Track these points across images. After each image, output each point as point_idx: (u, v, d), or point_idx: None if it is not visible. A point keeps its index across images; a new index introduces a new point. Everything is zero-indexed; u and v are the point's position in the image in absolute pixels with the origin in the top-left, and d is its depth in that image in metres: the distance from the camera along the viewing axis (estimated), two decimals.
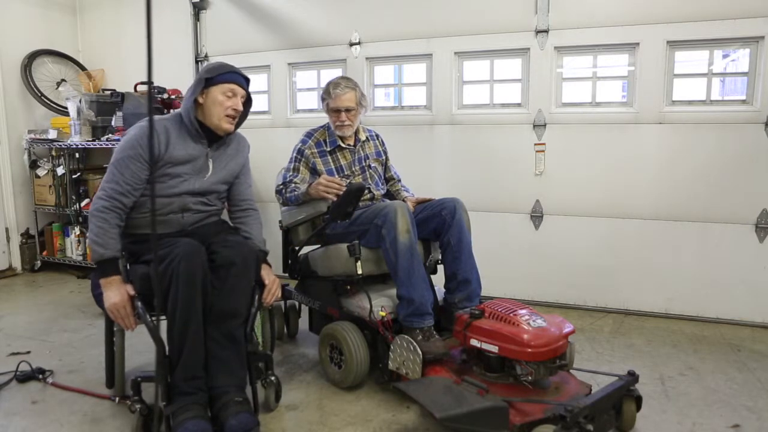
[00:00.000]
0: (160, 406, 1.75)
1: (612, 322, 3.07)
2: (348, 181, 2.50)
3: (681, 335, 2.87)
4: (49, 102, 4.21)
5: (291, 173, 2.55)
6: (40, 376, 2.34)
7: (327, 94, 2.55)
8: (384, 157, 2.77)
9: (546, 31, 3.17)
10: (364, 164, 2.63)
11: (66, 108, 3.99)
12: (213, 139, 2.11)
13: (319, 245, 2.56)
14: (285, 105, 3.89)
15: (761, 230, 2.94)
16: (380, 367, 2.21)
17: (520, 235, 3.37)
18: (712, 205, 2.99)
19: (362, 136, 2.68)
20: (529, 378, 1.87)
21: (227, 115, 2.04)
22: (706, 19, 2.88)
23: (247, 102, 2.15)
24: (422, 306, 2.12)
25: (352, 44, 3.62)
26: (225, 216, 2.36)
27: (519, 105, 3.32)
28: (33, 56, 4.17)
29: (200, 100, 2.04)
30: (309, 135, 2.61)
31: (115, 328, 2.06)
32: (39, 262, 4.24)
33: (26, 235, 4.22)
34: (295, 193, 2.45)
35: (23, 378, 2.33)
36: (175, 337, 1.79)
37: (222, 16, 3.99)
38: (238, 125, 2.17)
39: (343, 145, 2.59)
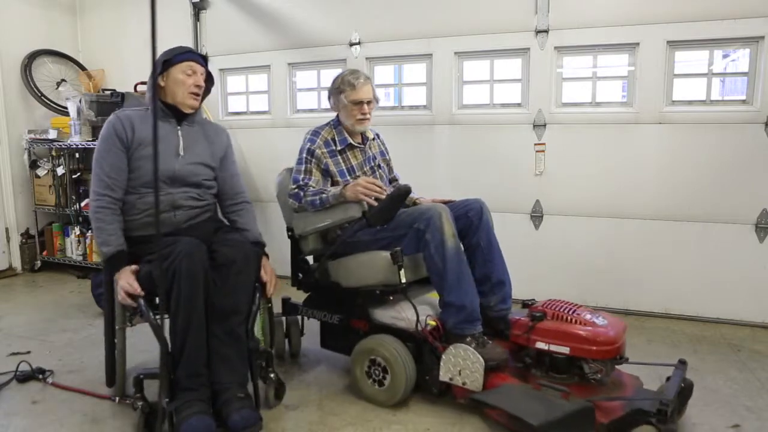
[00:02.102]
0: (162, 403, 1.75)
1: None
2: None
3: (681, 335, 2.87)
4: (49, 102, 4.21)
5: (304, 176, 2.33)
6: (40, 376, 2.34)
7: (347, 85, 2.36)
8: (388, 157, 2.66)
9: (546, 31, 3.17)
10: (373, 164, 2.49)
11: (66, 108, 3.99)
12: (181, 117, 2.18)
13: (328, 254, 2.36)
14: (285, 105, 3.89)
15: (761, 230, 2.94)
16: (427, 380, 2.07)
17: (520, 235, 3.37)
18: (712, 205, 2.99)
19: (370, 135, 2.53)
20: (598, 376, 1.87)
21: (191, 93, 2.13)
22: (706, 19, 2.88)
23: (209, 79, 2.23)
24: (474, 312, 2.05)
25: (352, 44, 3.62)
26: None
27: (519, 105, 3.32)
28: (33, 56, 4.17)
29: (161, 83, 2.12)
30: (316, 134, 2.40)
31: (117, 327, 2.06)
32: (39, 262, 4.25)
33: (26, 235, 4.22)
34: (323, 196, 2.23)
35: (23, 378, 2.33)
36: (177, 335, 1.81)
37: (222, 16, 3.99)
38: (202, 100, 2.24)
39: (354, 144, 2.43)
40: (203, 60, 2.21)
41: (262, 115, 4.02)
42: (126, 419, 2.02)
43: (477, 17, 3.30)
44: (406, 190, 2.13)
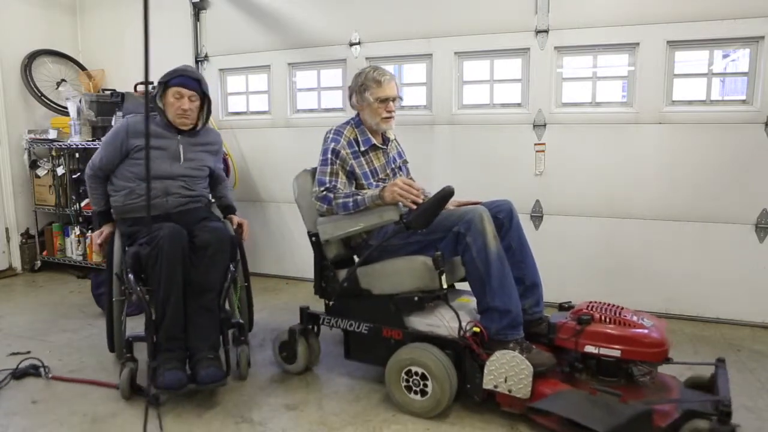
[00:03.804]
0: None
1: None
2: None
3: (681, 335, 2.86)
4: (49, 102, 4.21)
5: (330, 177, 2.22)
6: (41, 372, 2.36)
7: (372, 81, 2.28)
8: (404, 158, 2.59)
9: (546, 31, 3.17)
10: (394, 166, 2.42)
11: (66, 108, 3.98)
12: (182, 130, 2.50)
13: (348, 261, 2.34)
14: (285, 105, 3.89)
15: (761, 230, 2.94)
16: (468, 388, 2.01)
17: None
18: (712, 205, 2.99)
19: (391, 135, 2.45)
20: (647, 378, 1.87)
21: (178, 114, 2.44)
22: (706, 19, 2.87)
23: (205, 98, 2.52)
24: (518, 316, 2.00)
25: (352, 44, 3.62)
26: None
27: (519, 105, 3.32)
28: (33, 56, 4.16)
29: (159, 103, 2.48)
30: (338, 133, 2.30)
31: (114, 299, 2.41)
32: (39, 262, 4.24)
33: (26, 235, 4.22)
34: (357, 198, 2.12)
35: (20, 375, 2.34)
36: (159, 305, 2.12)
37: (222, 16, 3.99)
38: (206, 119, 2.56)
39: (378, 145, 2.35)
40: (196, 82, 2.47)
41: (262, 115, 4.02)
42: (126, 418, 2.02)
43: (477, 17, 3.30)
44: (450, 192, 2.00)
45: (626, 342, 1.85)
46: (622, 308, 2.00)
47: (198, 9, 4.05)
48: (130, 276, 2.22)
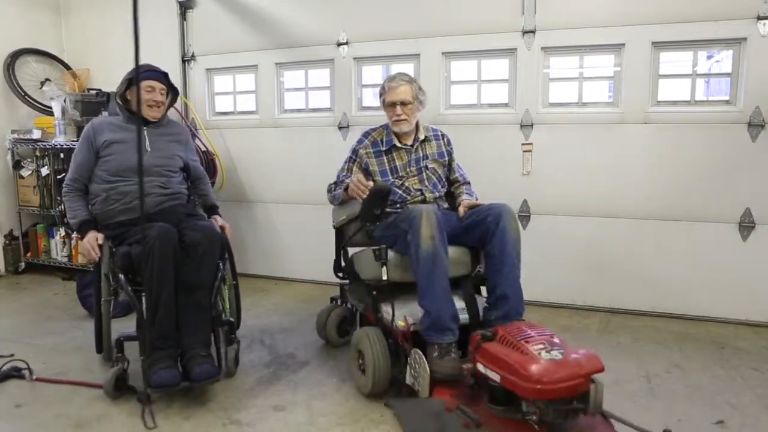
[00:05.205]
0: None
1: (599, 321, 3.09)
2: (371, 180, 2.41)
3: (667, 333, 2.90)
4: (33, 101, 4.15)
5: (345, 173, 2.54)
6: (25, 375, 2.33)
7: (383, 88, 2.53)
8: (447, 158, 2.63)
9: (533, 32, 3.18)
10: (421, 165, 2.52)
11: (50, 108, 3.93)
12: (147, 122, 2.55)
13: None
14: (272, 105, 3.87)
15: (744, 229, 2.98)
16: (400, 378, 2.10)
17: None
18: (697, 205, 3.03)
19: (421, 135, 2.57)
20: (534, 418, 1.62)
21: (149, 105, 2.53)
22: (690, 20, 2.91)
23: (172, 90, 2.62)
24: (440, 319, 2.01)
25: (339, 44, 3.61)
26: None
27: (506, 105, 3.34)
28: (16, 55, 4.10)
29: (128, 96, 2.52)
30: (366, 134, 2.59)
31: (102, 299, 2.36)
32: (23, 263, 4.18)
33: (10, 236, 4.16)
34: (337, 191, 2.45)
35: (2, 378, 2.31)
36: (151, 304, 2.13)
37: (209, 15, 3.96)
38: (168, 108, 2.65)
39: (399, 145, 2.52)
40: (164, 76, 2.58)
41: (250, 115, 3.99)
42: (112, 421, 2.00)
43: (464, 17, 3.31)
44: (379, 189, 2.19)
45: (505, 368, 1.67)
46: (543, 335, 1.75)
47: (185, 8, 4.01)
48: (121, 276, 2.23)
